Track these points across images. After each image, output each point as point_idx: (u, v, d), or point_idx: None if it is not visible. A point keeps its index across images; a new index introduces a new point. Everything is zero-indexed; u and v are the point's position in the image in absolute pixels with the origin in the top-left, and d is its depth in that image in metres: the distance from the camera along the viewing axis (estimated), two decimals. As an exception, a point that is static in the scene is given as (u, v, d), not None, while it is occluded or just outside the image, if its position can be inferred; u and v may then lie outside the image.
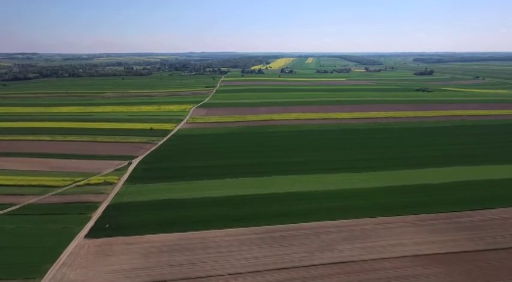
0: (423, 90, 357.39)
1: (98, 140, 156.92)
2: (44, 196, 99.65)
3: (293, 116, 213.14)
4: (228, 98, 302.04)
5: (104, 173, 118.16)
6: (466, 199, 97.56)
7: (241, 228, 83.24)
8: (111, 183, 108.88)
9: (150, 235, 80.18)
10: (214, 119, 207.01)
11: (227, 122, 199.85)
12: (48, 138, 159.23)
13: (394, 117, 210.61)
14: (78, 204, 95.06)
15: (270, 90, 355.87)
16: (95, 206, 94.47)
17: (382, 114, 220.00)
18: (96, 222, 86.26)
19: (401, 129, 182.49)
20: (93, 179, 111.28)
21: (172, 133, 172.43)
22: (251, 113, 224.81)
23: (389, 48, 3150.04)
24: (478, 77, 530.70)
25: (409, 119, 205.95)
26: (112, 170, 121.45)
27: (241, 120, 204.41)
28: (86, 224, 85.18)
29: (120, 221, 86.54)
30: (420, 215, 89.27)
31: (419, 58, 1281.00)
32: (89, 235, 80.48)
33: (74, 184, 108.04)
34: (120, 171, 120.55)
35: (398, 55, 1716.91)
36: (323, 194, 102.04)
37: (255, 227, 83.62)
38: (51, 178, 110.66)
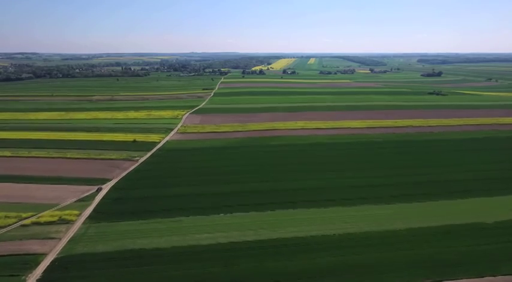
0: (437, 94, 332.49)
1: (68, 156, 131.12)
2: (-29, 243, 74.48)
3: (299, 124, 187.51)
4: (227, 102, 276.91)
5: (63, 204, 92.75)
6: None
7: (235, 304, 58.04)
8: (67, 222, 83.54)
9: (101, 318, 55.05)
10: (209, 128, 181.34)
11: (224, 132, 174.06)
12: (9, 153, 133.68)
13: (413, 127, 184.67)
14: (14, 258, 69.66)
15: (272, 93, 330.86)
16: (36, 260, 69.09)
17: (400, 122, 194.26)
18: (29, 291, 61.14)
19: (425, 142, 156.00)
20: (45, 215, 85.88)
21: (158, 147, 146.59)
22: (252, 120, 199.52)
23: (390, 49, 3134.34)
24: (491, 79, 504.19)
25: (431, 129, 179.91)
26: (75, 199, 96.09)
27: (240, 129, 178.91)
28: (14, 294, 60.04)
29: (63, 290, 61.34)
30: (486, 279, 63.95)
31: (424, 59, 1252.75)
32: (11, 318, 55.36)
33: (19, 223, 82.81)
34: (85, 201, 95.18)
35: (401, 56, 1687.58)
36: (345, 240, 76.47)
37: (255, 303, 58.36)
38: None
